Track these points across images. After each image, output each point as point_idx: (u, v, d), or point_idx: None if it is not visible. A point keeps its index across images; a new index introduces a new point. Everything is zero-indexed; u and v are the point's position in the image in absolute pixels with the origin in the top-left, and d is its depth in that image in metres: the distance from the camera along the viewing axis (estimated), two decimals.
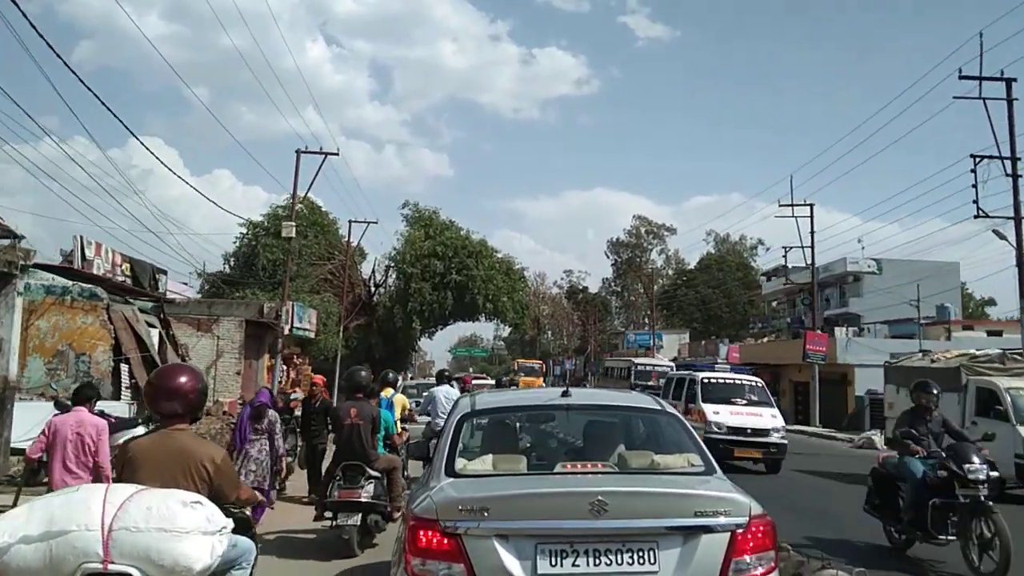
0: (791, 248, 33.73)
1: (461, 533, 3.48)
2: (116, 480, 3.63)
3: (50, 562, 2.99)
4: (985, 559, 6.83)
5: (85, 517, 3.04)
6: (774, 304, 69.33)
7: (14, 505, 6.23)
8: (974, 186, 18.14)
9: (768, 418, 15.93)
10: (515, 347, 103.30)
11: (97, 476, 6.67)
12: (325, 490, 7.90)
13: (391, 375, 11.71)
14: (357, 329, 39.03)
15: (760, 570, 3.57)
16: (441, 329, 45.18)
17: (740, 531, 3.56)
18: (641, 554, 3.50)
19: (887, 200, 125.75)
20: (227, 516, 3.42)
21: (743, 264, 76.78)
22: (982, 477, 6.92)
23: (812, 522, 9.85)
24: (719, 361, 42.76)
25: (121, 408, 12.76)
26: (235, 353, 25.25)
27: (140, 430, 10.04)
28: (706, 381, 17.06)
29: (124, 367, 13.82)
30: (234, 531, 3.50)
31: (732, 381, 17.28)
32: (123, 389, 13.71)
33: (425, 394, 14.09)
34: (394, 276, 42.02)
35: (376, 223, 38.40)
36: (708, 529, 3.55)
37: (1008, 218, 18.49)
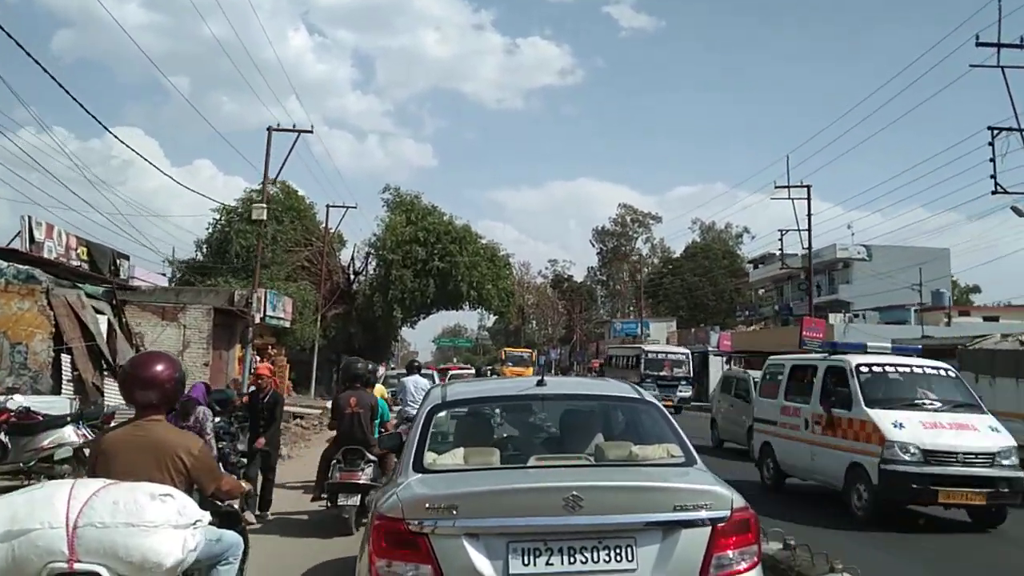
0: (787, 231, 32.55)
1: (428, 532, 3.32)
2: (90, 475, 3.45)
3: (13, 563, 2.89)
4: None
5: (48, 514, 2.93)
6: (761, 292, 68.74)
7: None
8: (992, 160, 17.02)
9: (987, 432, 9.30)
10: (499, 337, 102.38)
11: None
12: (326, 474, 8.34)
13: (370, 367, 11.49)
14: (336, 318, 37.56)
15: (743, 565, 3.45)
16: (424, 318, 43.76)
17: (722, 525, 3.43)
18: (618, 551, 3.37)
19: (871, 189, 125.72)
20: (211, 510, 3.35)
21: (729, 252, 76.10)
22: None
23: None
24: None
25: (61, 404, 11.34)
26: (203, 343, 23.75)
27: (68, 430, 8.71)
28: (868, 370, 10.09)
29: (66, 358, 12.37)
30: (220, 525, 3.45)
31: (912, 370, 10.27)
32: (64, 382, 12.26)
33: (396, 383, 14.99)
34: (374, 263, 40.56)
35: (355, 207, 37.02)
36: (688, 523, 3.41)
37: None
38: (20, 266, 12.48)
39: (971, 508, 9.23)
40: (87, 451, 9.84)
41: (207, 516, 3.31)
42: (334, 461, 8.23)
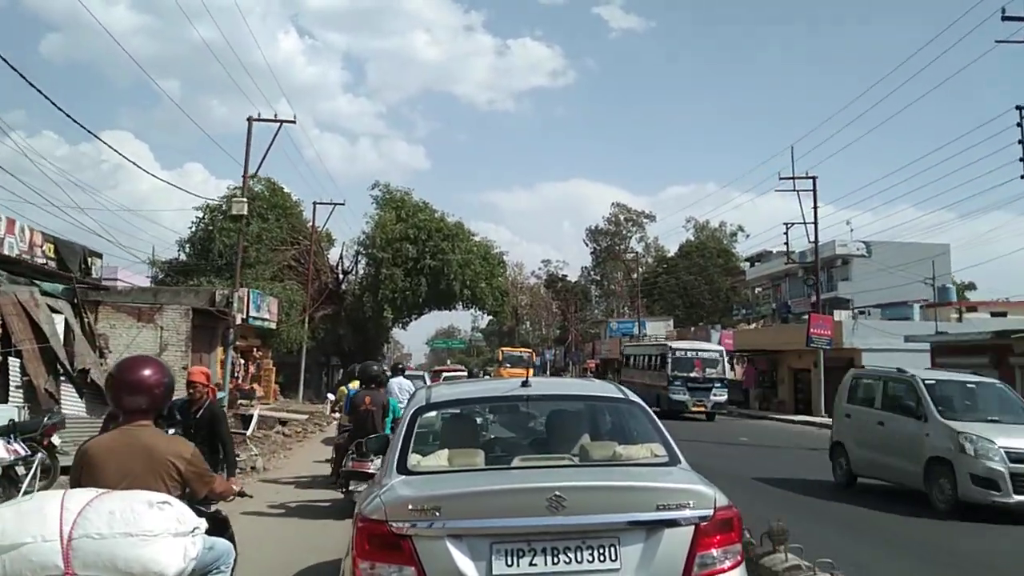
0: (792, 224, 31.43)
1: (411, 534, 3.31)
2: (73, 486, 3.20)
3: None
4: None
5: (40, 527, 2.79)
6: (758, 290, 67.87)
7: None
8: (1020, 142, 15.91)
9: None
10: (493, 338, 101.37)
11: None
12: (341, 463, 9.56)
13: (356, 369, 12.96)
14: (324, 319, 36.26)
15: (727, 563, 3.44)
16: (415, 319, 42.39)
17: (705, 524, 3.42)
18: (602, 551, 3.35)
19: (861, 188, 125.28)
20: (200, 516, 3.20)
21: (724, 250, 75.18)
22: None
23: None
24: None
25: (6, 413, 10.10)
26: (181, 346, 22.51)
27: None
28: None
29: (14, 361, 11.10)
30: (210, 532, 3.33)
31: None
32: (12, 389, 10.99)
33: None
34: (363, 262, 39.26)
35: (343, 204, 35.80)
36: (671, 523, 3.40)
37: None
38: None
39: None
40: (20, 469, 8.64)
41: (204, 523, 3.17)
42: (348, 452, 9.07)
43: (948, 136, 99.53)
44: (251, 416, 18.71)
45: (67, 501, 2.91)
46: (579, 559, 3.32)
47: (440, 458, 4.08)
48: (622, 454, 4.11)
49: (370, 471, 8.31)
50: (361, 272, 39.70)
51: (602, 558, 3.33)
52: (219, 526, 3.70)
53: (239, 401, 25.27)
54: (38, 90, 12.20)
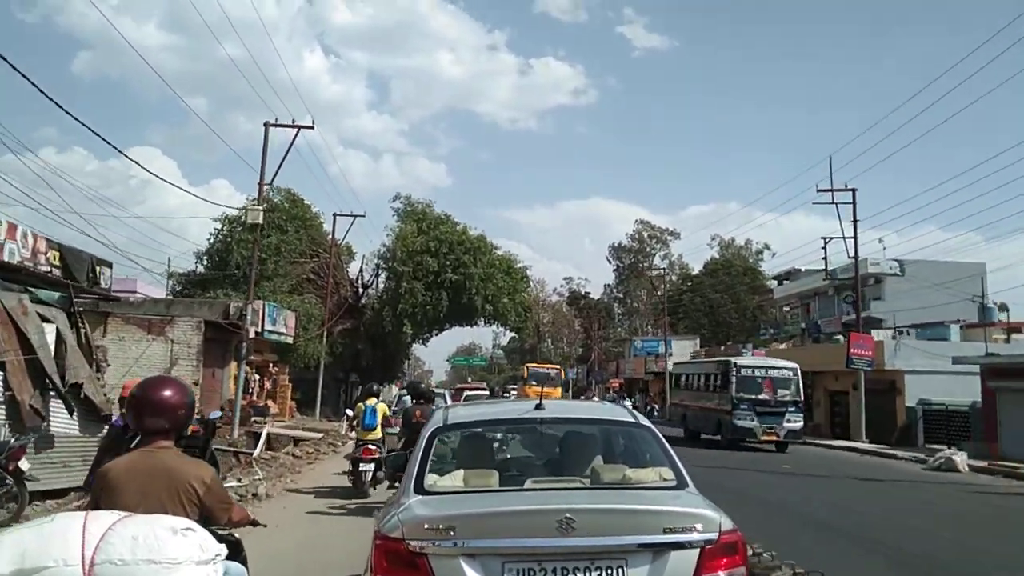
0: (831, 239, 30.05)
1: (427, 552, 3.42)
2: (93, 508, 3.08)
3: None
4: None
5: (62, 550, 2.66)
6: (786, 309, 66.33)
7: None
8: None
9: None
10: (515, 356, 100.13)
11: None
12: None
13: (375, 387, 13.96)
14: (342, 334, 35.27)
15: None
16: (436, 334, 41.28)
17: (710, 547, 3.50)
18: (609, 571, 3.45)
19: (887, 209, 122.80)
20: (219, 541, 3.07)
21: (750, 269, 73.60)
22: None
23: None
24: None
25: None
26: (192, 360, 21.63)
27: None
28: None
29: None
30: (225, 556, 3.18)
31: None
32: None
33: (396, 405, 16.09)
34: (383, 276, 38.27)
35: (363, 216, 34.93)
36: (678, 545, 3.48)
37: None
38: None
39: None
40: None
41: (224, 550, 3.04)
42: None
43: (977, 158, 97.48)
44: (261, 434, 17.74)
45: (89, 524, 2.77)
46: None
47: (456, 478, 4.15)
48: (631, 477, 4.18)
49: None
50: (381, 286, 38.76)
51: None
52: (232, 549, 3.55)
53: (253, 418, 24.30)
54: (67, 112, 11.85)
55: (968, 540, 9.64)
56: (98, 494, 3.24)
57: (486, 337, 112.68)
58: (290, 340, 27.94)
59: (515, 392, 44.50)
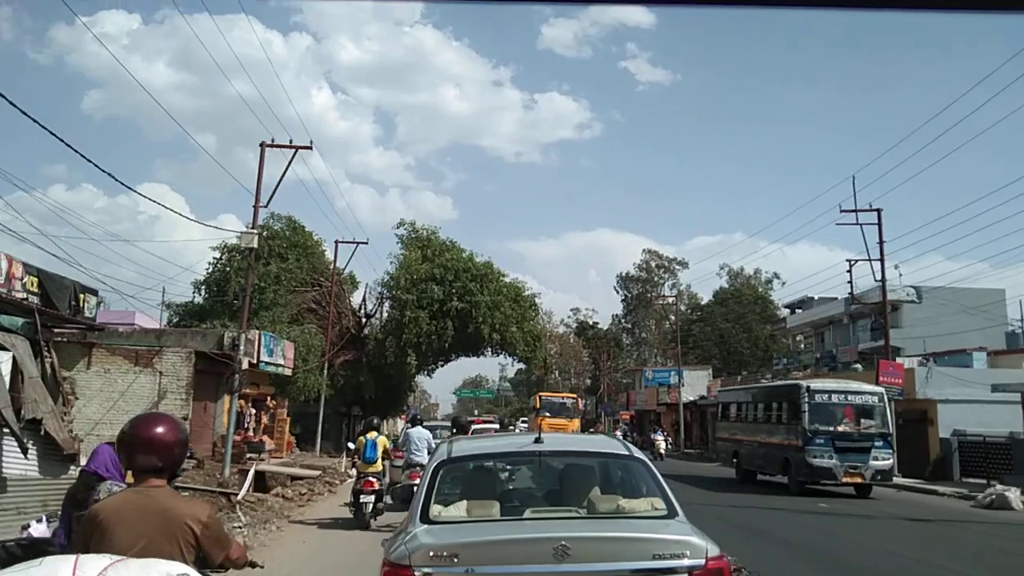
0: (856, 261, 28.72)
1: None
2: (82, 551, 2.83)
3: None
4: None
5: None
6: (799, 338, 64.91)
7: None
8: None
9: None
10: (522, 388, 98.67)
11: None
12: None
13: (375, 421, 14.44)
14: (344, 366, 33.92)
15: None
16: (442, 365, 39.89)
17: (697, 572, 3.67)
18: None
19: (898, 237, 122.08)
20: None
21: (761, 298, 72.27)
22: None
23: None
24: None
25: None
26: (181, 393, 20.35)
27: None
28: None
29: None
30: None
31: None
32: None
33: (401, 435, 16.58)
34: (387, 305, 36.98)
35: (366, 243, 33.70)
36: (667, 571, 3.66)
37: None
38: None
39: None
40: None
41: None
42: None
43: (985, 188, 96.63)
44: (253, 473, 16.39)
45: (80, 568, 2.53)
46: None
47: (459, 509, 4.36)
48: (625, 507, 4.37)
49: None
50: (384, 315, 37.45)
51: None
52: None
53: (247, 455, 22.93)
54: (76, 151, 12.29)
55: None
56: (88, 535, 3.07)
57: (493, 369, 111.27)
58: (288, 372, 26.63)
59: (525, 426, 42.73)
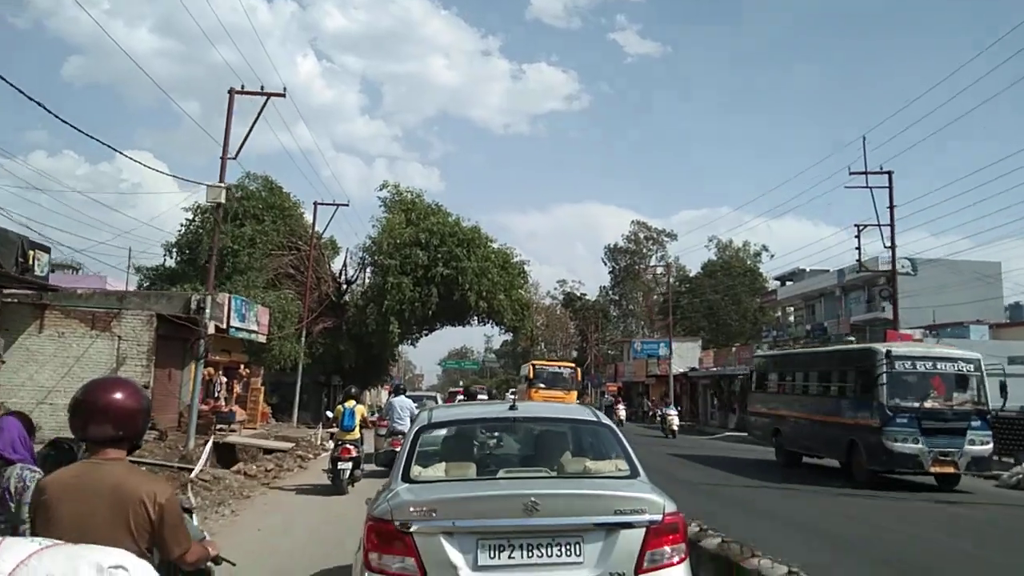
0: (865, 226, 27.36)
1: (412, 531, 3.89)
2: (33, 531, 2.72)
3: None
4: None
5: None
6: (789, 310, 64.12)
7: None
8: None
9: None
10: (507, 359, 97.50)
11: None
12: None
13: (353, 390, 14.68)
14: (323, 333, 32.42)
15: (674, 560, 4.02)
16: (426, 334, 38.36)
17: (655, 526, 4.00)
18: (568, 547, 3.96)
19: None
20: None
21: (750, 270, 71.36)
22: None
23: None
24: None
25: None
26: (142, 359, 18.82)
27: None
28: None
29: None
30: None
31: None
32: None
33: (384, 403, 17.52)
34: (369, 271, 35.38)
35: (347, 205, 31.96)
36: (627, 525, 3.99)
37: None
38: None
39: None
40: None
41: None
42: None
43: (972, 166, 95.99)
44: (211, 447, 14.96)
45: (3, 553, 2.12)
46: (549, 553, 3.94)
47: (438, 470, 4.67)
48: (591, 468, 4.72)
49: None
50: (367, 282, 35.85)
51: (568, 553, 3.95)
52: None
53: (217, 426, 21.48)
54: (60, 118, 11.89)
55: None
56: (34, 515, 2.81)
57: (478, 340, 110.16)
58: (263, 339, 25.08)
59: (514, 398, 41.38)
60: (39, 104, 11.25)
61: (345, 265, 36.84)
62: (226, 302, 20.77)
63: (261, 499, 11.72)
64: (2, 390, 17.60)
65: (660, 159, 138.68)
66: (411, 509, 3.92)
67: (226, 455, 19.69)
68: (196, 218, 31.88)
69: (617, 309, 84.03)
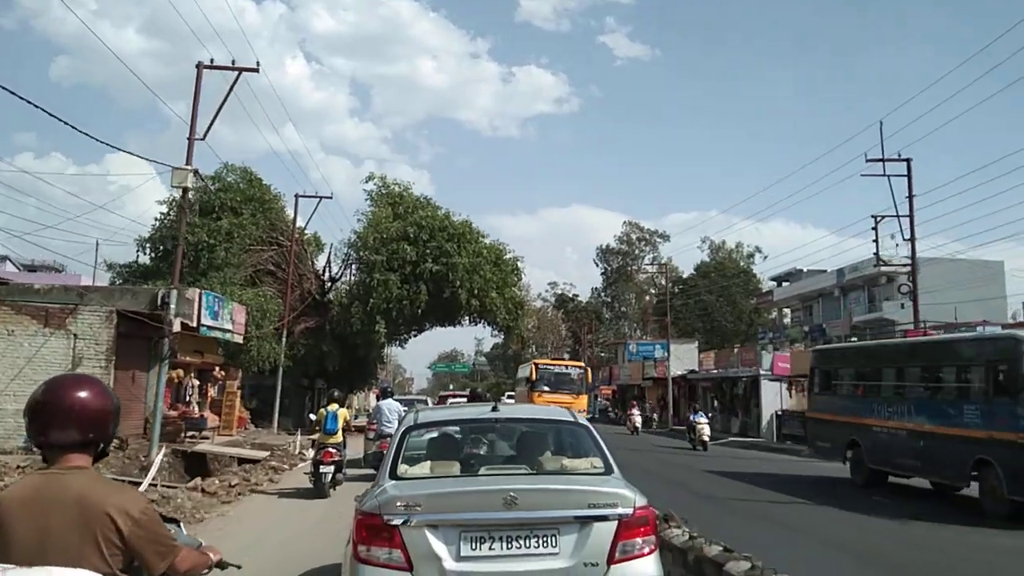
0: (883, 217, 25.81)
1: (398, 525, 4.15)
2: None
3: None
4: None
5: None
6: (785, 312, 62.99)
7: None
8: None
9: None
10: (498, 363, 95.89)
11: None
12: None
13: (336, 393, 14.67)
14: (305, 333, 30.65)
15: (645, 551, 4.31)
16: (415, 335, 36.57)
17: (626, 519, 4.27)
18: (545, 539, 4.22)
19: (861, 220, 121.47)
20: None
21: (744, 271, 70.36)
22: None
23: None
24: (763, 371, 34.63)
25: None
26: (101, 360, 17.08)
27: None
28: None
29: None
30: None
31: None
32: None
33: (372, 407, 18.36)
34: (354, 268, 33.61)
35: (330, 198, 30.18)
36: (600, 518, 4.25)
37: None
38: None
39: None
40: None
41: None
42: None
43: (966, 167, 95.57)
44: (160, 459, 13.29)
45: None
46: (527, 545, 4.20)
47: (423, 468, 4.96)
48: (568, 465, 4.99)
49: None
50: (352, 279, 34.08)
51: (545, 544, 4.21)
52: None
53: (186, 433, 19.76)
54: (50, 114, 11.63)
55: None
56: None
57: (468, 344, 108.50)
58: (239, 339, 23.37)
59: (512, 403, 39.62)
60: (28, 101, 11.27)
61: (329, 262, 35.08)
62: (196, 298, 19.00)
63: (241, 505, 11.49)
64: None
65: (648, 162, 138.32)
66: (398, 504, 4.18)
67: (196, 465, 17.97)
68: (171, 212, 30.10)
69: (610, 311, 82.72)
